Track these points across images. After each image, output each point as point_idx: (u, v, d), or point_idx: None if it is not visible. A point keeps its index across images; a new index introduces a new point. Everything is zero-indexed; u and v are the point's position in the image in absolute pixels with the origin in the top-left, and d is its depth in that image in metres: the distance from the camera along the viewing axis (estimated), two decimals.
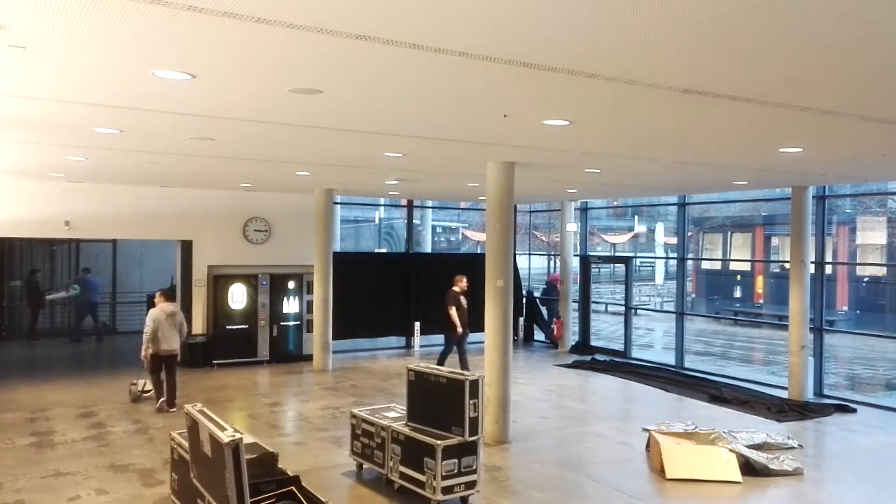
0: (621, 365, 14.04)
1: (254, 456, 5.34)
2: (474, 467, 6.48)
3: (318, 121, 6.11)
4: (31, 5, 3.17)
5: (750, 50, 3.71)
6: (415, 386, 6.84)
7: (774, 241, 23.94)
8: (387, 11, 3.19)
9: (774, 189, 13.54)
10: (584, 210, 16.92)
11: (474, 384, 6.39)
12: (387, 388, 11.58)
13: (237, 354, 13.59)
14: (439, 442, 6.29)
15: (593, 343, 16.31)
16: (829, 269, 17.01)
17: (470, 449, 6.44)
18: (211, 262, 13.70)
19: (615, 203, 25.15)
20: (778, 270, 21.98)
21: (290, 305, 14.17)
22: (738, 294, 24.51)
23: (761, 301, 23.17)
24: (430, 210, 21.32)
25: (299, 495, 4.97)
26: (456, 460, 6.35)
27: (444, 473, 6.26)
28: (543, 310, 17.41)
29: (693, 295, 24.42)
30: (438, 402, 6.58)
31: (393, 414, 7.26)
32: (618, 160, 8.46)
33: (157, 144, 7.65)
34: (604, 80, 4.39)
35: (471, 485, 6.46)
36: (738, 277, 24.69)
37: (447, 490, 6.30)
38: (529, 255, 20.60)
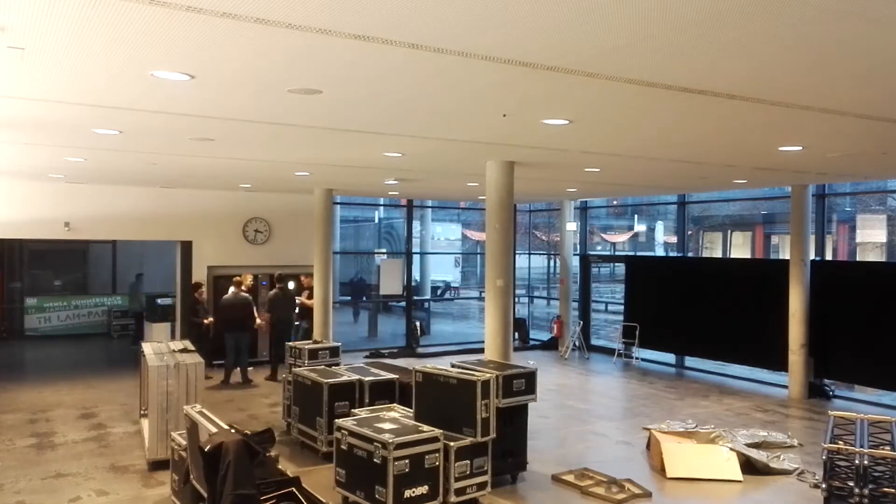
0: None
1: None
2: (486, 468, 6.44)
3: (318, 121, 6.10)
4: (30, 7, 3.16)
5: (749, 49, 3.71)
6: (422, 387, 6.80)
7: (774, 239, 23.91)
8: (387, 11, 3.18)
9: (774, 188, 13.53)
10: (583, 209, 16.91)
11: (486, 385, 6.37)
12: None
13: None
14: (452, 443, 6.21)
15: (593, 342, 16.31)
16: None
17: (482, 450, 6.40)
18: (211, 263, 13.68)
19: (615, 202, 25.12)
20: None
21: None
22: None
23: None
24: (430, 210, 21.29)
25: (299, 496, 4.96)
26: (468, 461, 6.30)
27: (456, 475, 6.19)
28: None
29: None
30: (448, 403, 6.53)
31: (395, 415, 7.23)
32: (618, 160, 8.45)
33: (157, 145, 7.64)
34: (603, 79, 4.39)
35: (482, 486, 6.43)
36: None
37: (460, 491, 6.23)
38: (529, 254, 20.57)
